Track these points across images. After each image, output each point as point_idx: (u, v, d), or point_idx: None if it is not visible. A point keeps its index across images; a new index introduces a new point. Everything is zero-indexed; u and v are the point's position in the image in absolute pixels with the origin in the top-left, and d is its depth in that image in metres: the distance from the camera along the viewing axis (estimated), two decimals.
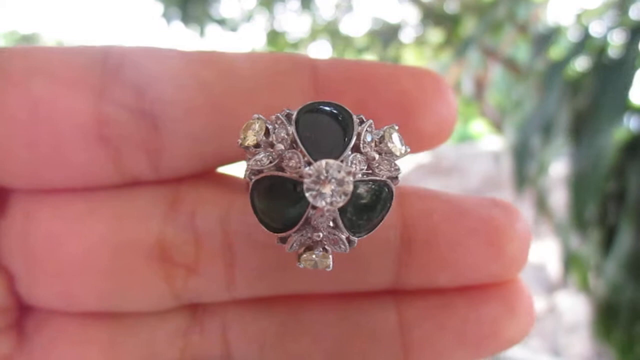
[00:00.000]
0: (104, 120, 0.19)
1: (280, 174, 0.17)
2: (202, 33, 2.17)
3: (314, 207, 0.17)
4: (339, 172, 0.16)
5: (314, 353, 0.21)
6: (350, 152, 0.17)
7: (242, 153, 0.21)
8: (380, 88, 0.20)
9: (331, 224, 0.18)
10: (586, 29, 1.05)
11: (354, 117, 0.18)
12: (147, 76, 0.20)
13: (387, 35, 2.26)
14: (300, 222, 0.17)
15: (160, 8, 2.14)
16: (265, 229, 0.18)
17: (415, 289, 0.21)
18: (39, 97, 0.19)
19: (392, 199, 0.18)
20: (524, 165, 1.06)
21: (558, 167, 1.36)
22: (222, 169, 0.23)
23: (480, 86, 2.15)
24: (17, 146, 0.19)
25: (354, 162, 0.17)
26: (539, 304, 2.02)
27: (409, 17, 2.31)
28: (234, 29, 2.32)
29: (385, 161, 0.18)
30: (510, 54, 1.83)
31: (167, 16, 2.13)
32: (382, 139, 0.18)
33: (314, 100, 0.20)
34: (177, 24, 2.13)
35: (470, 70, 2.07)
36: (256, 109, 0.19)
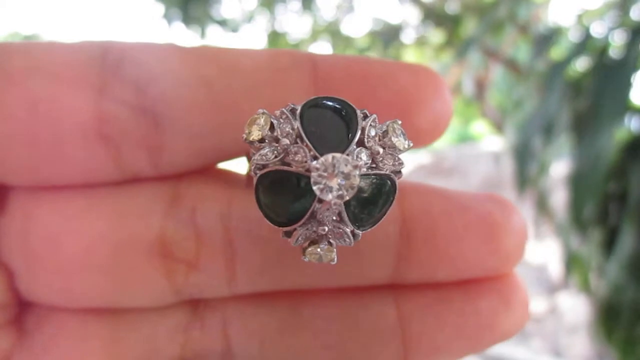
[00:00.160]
0: (104, 118, 0.19)
1: (285, 168, 0.17)
2: (203, 34, 2.17)
3: (320, 201, 0.17)
4: (346, 165, 0.16)
5: (315, 348, 0.21)
6: (355, 147, 0.17)
7: (243, 149, 0.21)
8: (379, 85, 0.20)
9: (336, 217, 0.18)
10: (587, 30, 1.05)
11: (358, 111, 0.18)
12: (147, 73, 0.20)
13: (388, 35, 2.26)
14: (306, 216, 0.17)
15: (161, 9, 2.14)
16: (270, 223, 0.18)
17: (414, 283, 0.21)
18: (39, 96, 0.19)
19: (395, 192, 0.18)
20: (524, 166, 1.06)
21: (559, 168, 1.36)
22: (222, 165, 0.23)
23: (481, 87, 2.15)
24: (17, 145, 0.19)
25: (359, 156, 0.17)
26: (540, 304, 2.02)
27: (409, 18, 2.31)
28: (235, 30, 2.32)
29: (389, 155, 0.18)
30: (511, 54, 1.83)
31: (168, 17, 2.14)
32: (385, 133, 0.18)
33: (312, 96, 0.20)
34: (178, 25, 2.13)
35: (471, 70, 2.07)
36: (257, 105, 0.20)
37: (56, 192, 0.20)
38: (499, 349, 1.74)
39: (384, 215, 0.18)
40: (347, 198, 0.17)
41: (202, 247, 0.20)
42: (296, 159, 0.17)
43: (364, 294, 0.21)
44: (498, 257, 0.20)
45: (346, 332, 0.21)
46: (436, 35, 2.29)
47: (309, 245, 0.18)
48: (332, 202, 0.17)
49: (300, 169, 0.17)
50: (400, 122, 0.19)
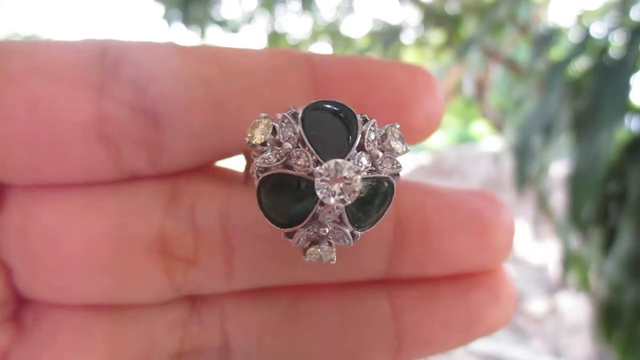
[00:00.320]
0: (104, 118, 0.19)
1: (288, 171, 0.18)
2: (203, 35, 2.17)
3: (322, 204, 0.17)
4: (349, 171, 0.17)
5: (311, 341, 0.22)
6: (356, 151, 0.18)
7: (241, 147, 0.21)
8: (375, 84, 0.21)
9: (336, 219, 0.18)
10: (587, 30, 1.05)
11: (358, 116, 0.18)
12: (146, 72, 0.20)
13: (387, 36, 2.26)
14: (308, 218, 0.18)
15: (161, 10, 2.15)
16: (272, 224, 0.18)
17: (406, 278, 0.22)
18: (39, 96, 0.19)
19: (393, 194, 0.19)
20: (524, 166, 1.06)
21: (559, 168, 1.36)
22: (220, 163, 0.23)
23: (481, 87, 2.15)
24: (17, 145, 0.19)
25: (360, 160, 0.18)
26: (540, 304, 2.02)
27: (409, 18, 2.31)
28: (235, 31, 2.32)
29: (388, 159, 0.19)
30: (511, 54, 1.83)
31: (168, 18, 2.14)
32: (384, 137, 0.19)
33: (311, 96, 0.21)
34: (178, 26, 2.14)
35: (471, 71, 2.07)
36: (255, 104, 0.20)
37: (55, 191, 0.21)
38: (499, 349, 1.74)
39: (382, 216, 0.19)
40: (349, 202, 0.17)
41: (200, 244, 0.21)
42: (298, 162, 0.17)
43: (358, 288, 0.22)
44: (488, 253, 0.21)
45: (341, 326, 0.22)
46: (436, 36, 2.29)
47: (310, 245, 0.19)
48: (335, 206, 0.17)
49: (303, 173, 0.17)
50: (398, 125, 0.19)
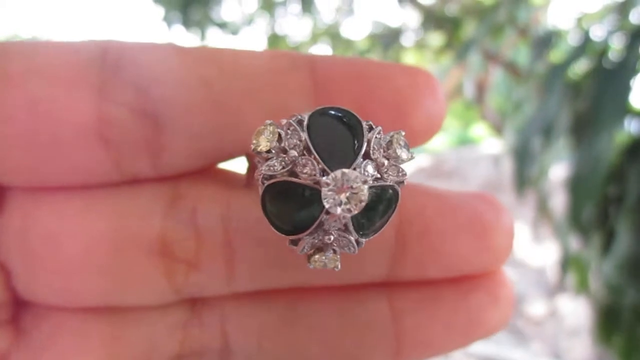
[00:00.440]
0: (104, 120, 0.19)
1: (294, 179, 0.18)
2: (203, 37, 2.17)
3: (328, 212, 0.17)
4: (355, 181, 0.17)
5: (311, 344, 0.22)
6: (361, 159, 0.18)
7: (243, 149, 0.21)
8: (377, 86, 0.21)
9: (341, 227, 0.18)
10: (586, 33, 1.05)
11: (364, 123, 0.18)
12: (146, 73, 0.20)
13: (387, 38, 2.26)
14: (314, 226, 0.18)
15: (161, 12, 2.15)
16: (277, 232, 0.18)
17: (407, 280, 0.22)
18: (38, 97, 0.19)
19: (397, 201, 0.19)
20: (524, 168, 1.06)
21: (559, 170, 1.36)
22: (222, 165, 0.23)
23: (481, 89, 2.15)
24: (16, 146, 0.19)
25: (366, 169, 0.18)
26: (540, 307, 2.02)
27: (409, 21, 2.31)
28: (235, 33, 2.32)
29: (393, 166, 0.19)
30: (511, 57, 1.83)
31: (168, 20, 2.14)
32: (389, 144, 0.19)
33: (312, 97, 0.21)
34: (178, 28, 2.14)
35: (471, 73, 2.08)
36: (256, 106, 0.20)
37: (55, 193, 0.20)
38: (499, 351, 1.74)
39: (386, 222, 0.19)
40: (356, 212, 0.17)
41: (202, 247, 0.21)
42: (304, 171, 0.17)
43: (358, 291, 0.22)
44: (488, 255, 0.21)
45: (342, 328, 0.22)
46: (436, 38, 2.30)
47: (314, 253, 0.19)
48: (342, 216, 0.17)
49: (309, 182, 0.17)
50: (403, 133, 0.19)
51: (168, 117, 0.20)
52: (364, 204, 0.17)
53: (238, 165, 0.23)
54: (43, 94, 0.19)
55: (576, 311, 1.88)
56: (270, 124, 0.18)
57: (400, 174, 0.19)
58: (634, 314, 0.85)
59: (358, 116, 0.18)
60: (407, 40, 2.33)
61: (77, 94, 0.19)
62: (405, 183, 0.19)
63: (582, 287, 1.05)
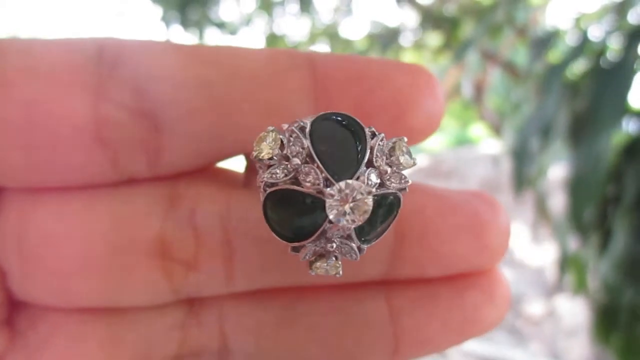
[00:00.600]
0: (101, 121, 0.19)
1: (296, 188, 0.17)
2: (201, 37, 2.17)
3: (331, 222, 0.17)
4: (361, 192, 0.17)
5: (309, 343, 0.22)
6: (365, 168, 0.18)
7: (242, 149, 0.21)
8: (376, 85, 0.21)
9: (344, 234, 0.18)
10: (585, 33, 1.05)
11: (366, 130, 0.18)
12: (144, 73, 0.19)
13: (386, 38, 2.26)
14: (316, 235, 0.18)
15: (159, 12, 2.14)
16: (279, 238, 0.18)
17: (405, 279, 0.22)
18: (35, 98, 0.18)
19: (399, 207, 0.19)
20: (523, 168, 1.06)
21: (557, 170, 1.36)
22: (220, 164, 0.23)
23: (479, 89, 2.15)
24: (12, 148, 0.19)
25: (370, 177, 0.18)
26: (538, 307, 2.02)
27: (407, 21, 2.32)
28: (233, 33, 2.32)
29: (396, 174, 0.19)
30: (509, 57, 1.83)
31: (166, 20, 2.13)
32: (392, 151, 0.19)
33: (312, 96, 0.20)
34: (177, 28, 2.13)
35: (469, 73, 2.08)
36: (256, 106, 0.20)
37: (53, 193, 0.20)
38: (497, 351, 1.74)
39: (387, 228, 0.19)
40: (360, 223, 0.17)
41: (201, 247, 0.21)
42: (307, 179, 0.17)
43: (356, 290, 0.22)
44: (484, 254, 0.21)
45: (340, 327, 0.22)
46: (434, 38, 2.30)
47: (316, 260, 0.19)
48: (346, 227, 0.17)
49: (312, 191, 0.17)
50: (406, 139, 0.19)
51: (166, 117, 0.19)
52: (368, 215, 0.17)
53: (236, 164, 0.23)
54: (39, 93, 0.18)
55: (574, 311, 1.88)
56: (272, 131, 0.18)
57: (402, 181, 0.18)
58: (631, 313, 0.85)
59: (360, 122, 0.18)
60: (406, 40, 2.33)
61: (74, 94, 0.19)
62: (408, 190, 0.19)
63: (580, 287, 1.05)
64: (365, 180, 0.17)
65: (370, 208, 0.17)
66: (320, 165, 0.17)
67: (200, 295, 0.22)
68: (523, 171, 1.06)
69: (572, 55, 1.00)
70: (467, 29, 1.97)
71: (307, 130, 0.18)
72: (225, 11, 2.30)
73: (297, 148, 0.18)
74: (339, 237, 0.18)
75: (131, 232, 0.20)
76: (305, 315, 0.22)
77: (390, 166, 0.18)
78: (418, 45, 2.37)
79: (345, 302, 0.22)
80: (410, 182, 0.19)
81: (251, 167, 0.22)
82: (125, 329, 0.21)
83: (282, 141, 0.18)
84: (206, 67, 0.20)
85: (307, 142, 0.17)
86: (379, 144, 0.18)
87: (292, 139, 0.18)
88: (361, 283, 0.22)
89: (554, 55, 1.27)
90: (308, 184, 0.17)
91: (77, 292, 0.20)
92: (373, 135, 0.18)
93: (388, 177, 0.18)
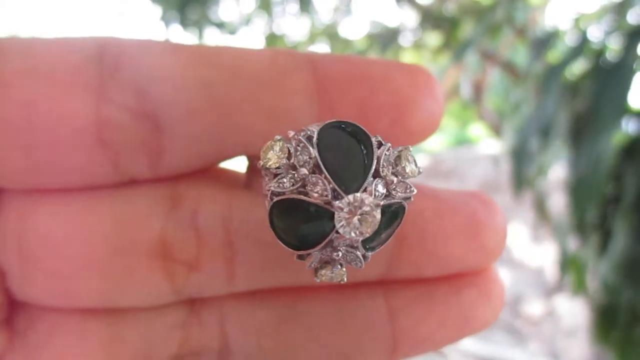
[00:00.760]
0: (103, 122, 0.19)
1: (303, 198, 0.17)
2: (200, 36, 2.17)
3: (338, 232, 0.17)
4: (369, 206, 0.17)
5: (309, 342, 0.22)
6: (372, 178, 0.18)
7: (243, 150, 0.21)
8: (376, 86, 0.21)
9: (350, 243, 0.18)
10: (584, 33, 1.05)
11: (373, 139, 0.18)
12: (146, 74, 0.19)
13: (385, 38, 2.26)
14: (323, 244, 0.18)
15: (158, 11, 2.14)
16: (284, 246, 0.18)
17: (403, 279, 0.22)
18: (35, 99, 0.18)
19: (404, 214, 0.19)
20: (522, 169, 1.06)
21: (557, 170, 1.36)
22: (222, 164, 0.23)
23: (478, 89, 2.15)
24: (12, 149, 0.19)
25: (377, 188, 0.18)
26: (538, 307, 2.02)
27: (407, 21, 2.31)
28: (232, 33, 2.31)
29: (401, 183, 0.19)
30: (509, 57, 1.84)
31: (165, 19, 2.13)
32: (397, 160, 0.19)
33: (314, 97, 0.20)
34: (176, 27, 2.13)
35: (468, 73, 2.08)
36: (258, 108, 0.20)
37: (53, 195, 0.20)
38: (496, 351, 1.74)
39: (391, 234, 0.19)
40: (368, 235, 0.17)
41: (202, 248, 0.21)
42: (315, 190, 0.17)
43: (356, 289, 0.22)
44: (481, 254, 0.22)
45: (339, 326, 0.22)
46: (433, 38, 2.30)
47: (321, 267, 0.19)
48: (354, 239, 0.17)
49: (319, 201, 0.17)
50: (411, 148, 0.19)
51: (168, 118, 0.19)
52: (376, 227, 0.17)
53: (238, 165, 0.23)
54: (39, 94, 0.18)
55: (574, 311, 1.88)
56: (279, 140, 0.18)
57: (407, 191, 0.19)
58: (631, 313, 0.85)
59: (367, 131, 0.18)
60: (405, 40, 2.33)
61: (75, 94, 0.19)
62: (413, 199, 0.19)
63: (580, 287, 1.05)
64: (373, 192, 0.17)
65: (378, 221, 0.17)
66: (328, 176, 0.17)
67: (201, 296, 0.22)
68: (522, 171, 1.07)
69: (572, 56, 1.00)
70: (467, 29, 1.97)
71: (315, 139, 0.18)
72: (224, 11, 2.30)
73: (305, 157, 0.18)
74: (344, 246, 0.18)
75: (132, 233, 0.20)
76: (305, 315, 0.22)
77: (396, 175, 0.18)
78: (417, 45, 2.37)
79: (345, 302, 0.22)
80: (415, 191, 0.19)
81: (253, 168, 0.22)
82: (125, 328, 0.21)
83: (289, 150, 0.18)
84: (207, 68, 0.20)
85: (314, 152, 0.17)
86: (385, 154, 0.18)
87: (299, 148, 0.18)
88: (359, 283, 0.22)
89: (554, 56, 1.27)
90: (316, 195, 0.17)
91: (77, 293, 0.20)
92: (380, 144, 0.18)
93: (394, 187, 0.18)
